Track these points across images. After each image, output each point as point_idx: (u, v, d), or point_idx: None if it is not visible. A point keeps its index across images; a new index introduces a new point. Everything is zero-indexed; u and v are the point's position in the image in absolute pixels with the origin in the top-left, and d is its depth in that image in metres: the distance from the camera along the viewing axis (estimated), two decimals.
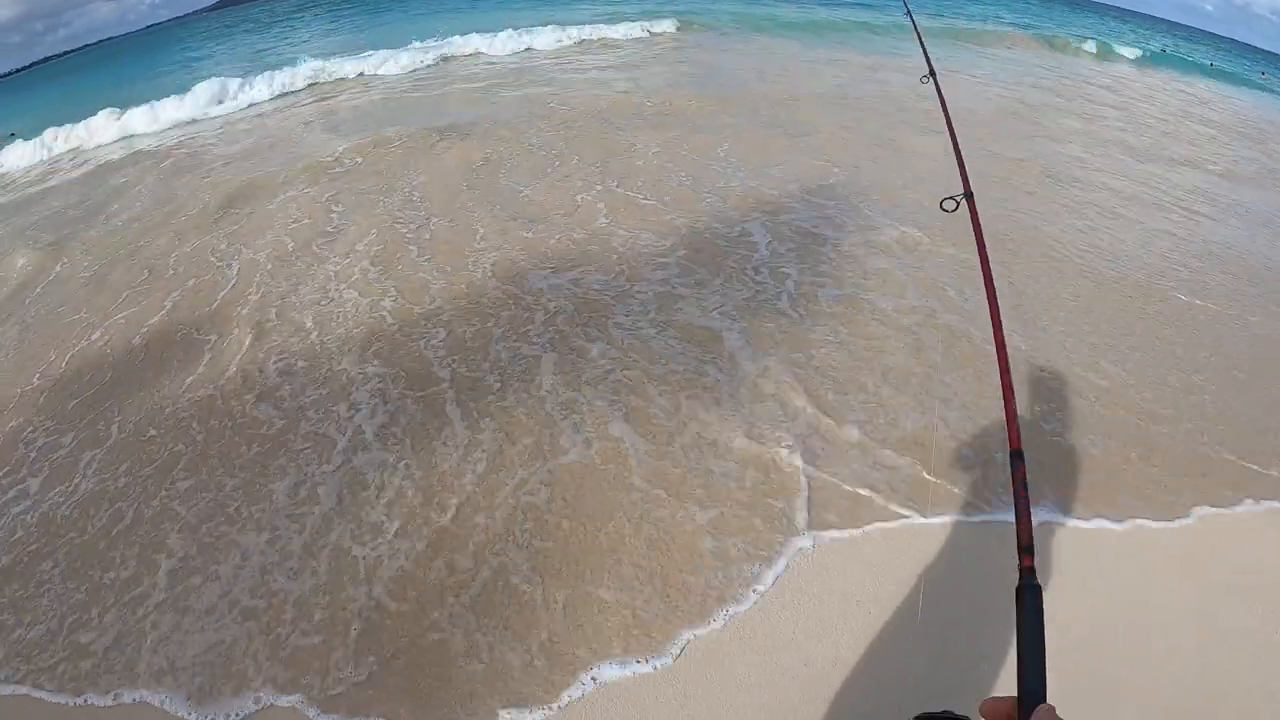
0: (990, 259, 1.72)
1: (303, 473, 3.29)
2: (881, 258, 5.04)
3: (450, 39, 14.58)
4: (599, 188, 6.36)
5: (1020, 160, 7.78)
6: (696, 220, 5.63)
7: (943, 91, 3.03)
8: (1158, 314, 4.63)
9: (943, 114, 2.73)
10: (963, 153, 2.44)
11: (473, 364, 3.94)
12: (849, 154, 7.39)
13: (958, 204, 2.02)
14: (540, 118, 8.69)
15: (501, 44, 14.18)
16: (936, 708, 0.84)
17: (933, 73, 3.25)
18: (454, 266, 5.09)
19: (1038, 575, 0.92)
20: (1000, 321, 1.50)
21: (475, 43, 14.14)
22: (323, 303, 4.74)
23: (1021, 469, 1.13)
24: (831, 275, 4.80)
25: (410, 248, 5.44)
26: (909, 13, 4.51)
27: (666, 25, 16.95)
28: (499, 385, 3.74)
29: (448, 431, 3.44)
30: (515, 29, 15.15)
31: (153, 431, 3.72)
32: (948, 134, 2.62)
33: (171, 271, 5.57)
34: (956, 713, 0.83)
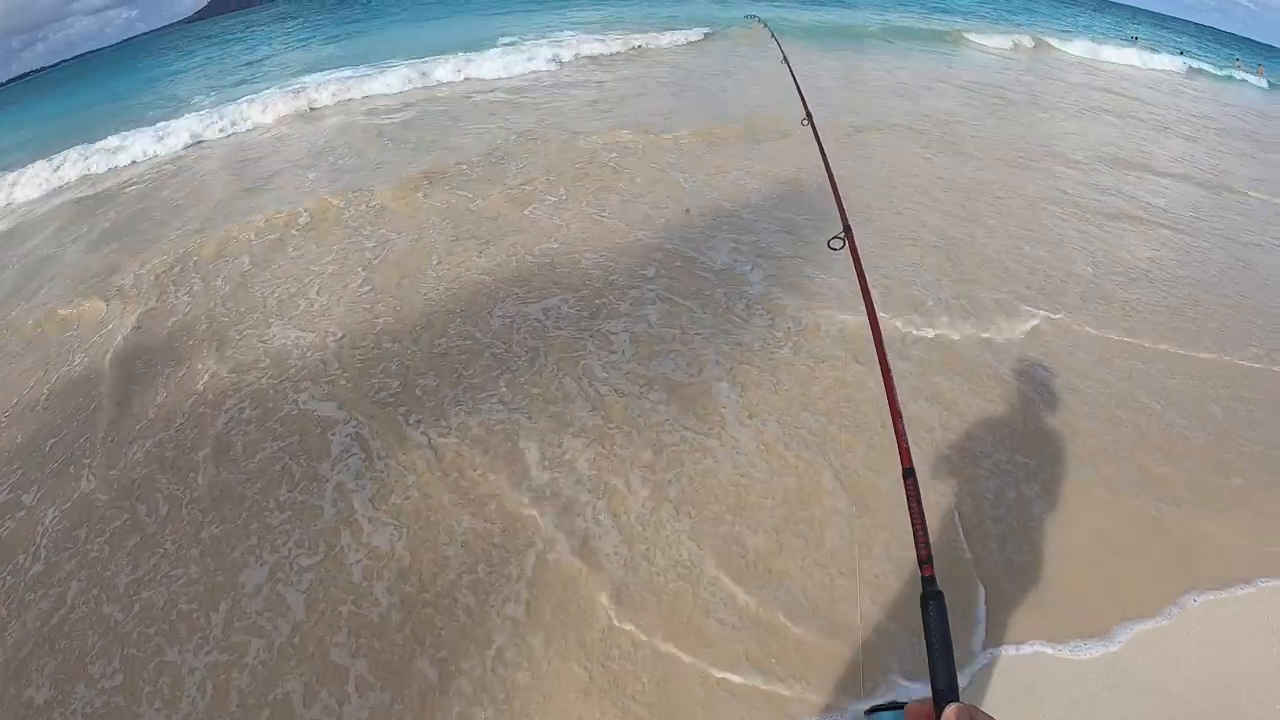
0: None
1: (277, 557, 2.99)
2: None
3: (428, 58, 13.69)
4: (568, 208, 6.07)
5: (1007, 180, 7.53)
6: (675, 244, 5.36)
7: (819, 134, 3.01)
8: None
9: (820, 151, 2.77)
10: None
11: (443, 427, 3.65)
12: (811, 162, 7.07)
13: (843, 242, 2.04)
14: (514, 140, 8.35)
15: (481, 65, 13.12)
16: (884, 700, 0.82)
17: (809, 115, 3.34)
18: (422, 299, 4.84)
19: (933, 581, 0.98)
20: (883, 345, 1.55)
21: (452, 64, 12.95)
22: (292, 343, 4.45)
23: (914, 486, 1.15)
24: (836, 304, 4.51)
25: (360, 271, 5.20)
26: (785, 59, 4.70)
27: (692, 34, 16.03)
28: (481, 459, 3.43)
29: (430, 527, 3.12)
30: (492, 47, 14.62)
31: (114, 492, 3.49)
32: (826, 174, 2.59)
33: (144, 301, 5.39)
34: (899, 701, 0.86)
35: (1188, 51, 27.44)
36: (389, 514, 3.17)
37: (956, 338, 4.29)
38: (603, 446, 3.45)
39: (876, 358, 1.52)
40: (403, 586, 2.83)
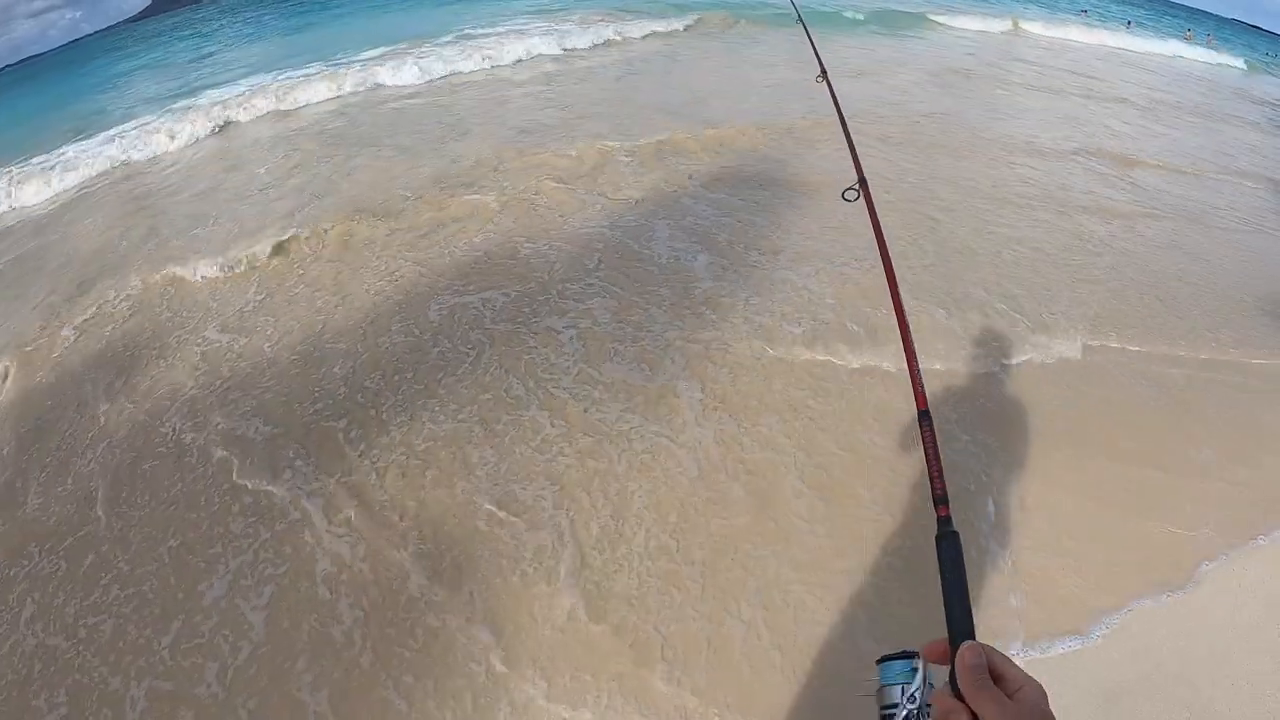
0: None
1: (223, 578, 2.88)
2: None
3: (374, 55, 13.08)
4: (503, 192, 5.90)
5: (972, 177, 7.48)
6: (619, 235, 5.26)
7: (834, 89, 2.99)
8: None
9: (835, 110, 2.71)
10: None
11: (388, 441, 3.51)
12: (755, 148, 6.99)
13: (858, 194, 2.05)
14: (458, 138, 8.09)
15: (429, 63, 12.07)
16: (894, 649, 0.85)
17: (824, 71, 3.26)
18: (354, 293, 4.75)
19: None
20: (897, 287, 1.58)
21: (397, 61, 12.05)
22: (226, 347, 4.33)
23: (930, 429, 1.16)
24: (796, 304, 4.39)
25: (297, 270, 5.07)
26: (800, 19, 4.67)
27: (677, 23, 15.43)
28: (428, 474, 3.30)
29: (384, 546, 3.01)
30: (444, 37, 14.12)
31: (68, 507, 3.37)
32: (841, 130, 2.55)
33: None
34: (910, 649, 0.85)
35: (1135, 22, 27.74)
36: (343, 528, 3.06)
37: (923, 322, 4.23)
38: (563, 456, 3.34)
39: (891, 304, 1.52)
40: (362, 602, 2.73)
